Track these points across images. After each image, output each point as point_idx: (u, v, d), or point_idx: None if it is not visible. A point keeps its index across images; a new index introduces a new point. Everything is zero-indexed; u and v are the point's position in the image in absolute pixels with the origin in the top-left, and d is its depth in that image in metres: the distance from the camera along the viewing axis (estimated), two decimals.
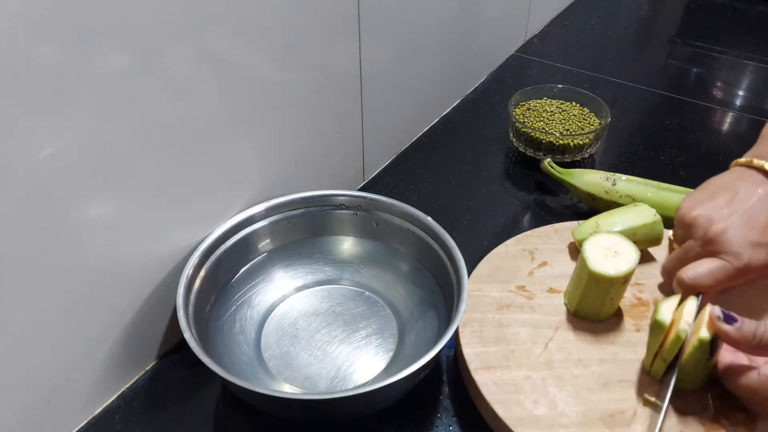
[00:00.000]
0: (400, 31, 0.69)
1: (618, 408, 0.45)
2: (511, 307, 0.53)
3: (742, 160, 0.53)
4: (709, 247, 0.48)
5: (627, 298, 0.54)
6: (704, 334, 0.42)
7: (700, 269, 0.48)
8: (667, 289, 0.54)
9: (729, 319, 0.41)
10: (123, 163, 0.43)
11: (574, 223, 0.61)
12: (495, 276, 0.56)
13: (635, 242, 0.51)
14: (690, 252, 0.50)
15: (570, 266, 0.57)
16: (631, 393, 0.46)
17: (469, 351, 0.49)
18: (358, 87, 0.65)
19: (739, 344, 0.41)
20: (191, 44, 0.44)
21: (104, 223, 0.43)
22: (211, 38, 0.45)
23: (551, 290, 0.55)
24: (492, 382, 0.47)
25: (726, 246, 0.47)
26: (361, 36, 0.62)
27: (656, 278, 0.56)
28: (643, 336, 0.51)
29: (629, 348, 0.50)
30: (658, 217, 0.57)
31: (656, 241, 0.58)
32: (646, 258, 0.58)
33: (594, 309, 0.51)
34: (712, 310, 0.42)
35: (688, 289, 0.48)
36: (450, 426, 0.49)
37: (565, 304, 0.53)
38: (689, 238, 0.51)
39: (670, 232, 0.58)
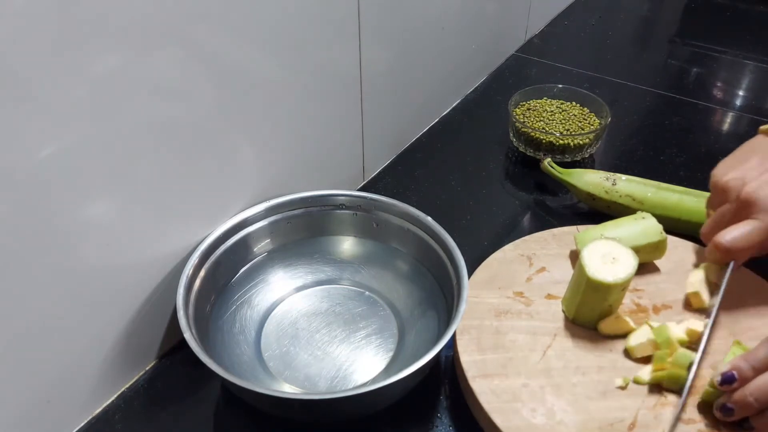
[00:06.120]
0: (400, 31, 0.68)
1: (617, 417, 0.45)
2: (509, 314, 0.53)
3: (766, 127, 0.54)
4: (744, 207, 0.48)
5: (626, 305, 0.54)
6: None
7: (737, 232, 0.47)
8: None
9: (729, 380, 0.43)
10: (123, 163, 0.43)
11: (572, 228, 0.61)
12: (493, 282, 0.56)
13: (637, 255, 0.50)
14: (725, 215, 0.50)
15: (568, 272, 0.56)
16: (630, 401, 0.46)
17: (466, 359, 0.49)
18: (358, 87, 0.65)
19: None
20: (190, 44, 0.44)
21: (104, 223, 0.43)
22: (211, 38, 0.45)
23: (549, 296, 0.54)
24: (489, 391, 0.46)
25: (761, 203, 0.47)
26: (361, 36, 0.62)
27: (655, 284, 0.56)
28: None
29: (628, 355, 0.50)
30: (665, 235, 0.56)
31: (659, 254, 0.57)
32: (644, 263, 0.58)
33: (592, 316, 0.51)
34: (713, 378, 0.44)
35: (726, 254, 0.48)
36: (449, 426, 0.49)
37: (564, 311, 0.53)
38: (724, 203, 0.51)
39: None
